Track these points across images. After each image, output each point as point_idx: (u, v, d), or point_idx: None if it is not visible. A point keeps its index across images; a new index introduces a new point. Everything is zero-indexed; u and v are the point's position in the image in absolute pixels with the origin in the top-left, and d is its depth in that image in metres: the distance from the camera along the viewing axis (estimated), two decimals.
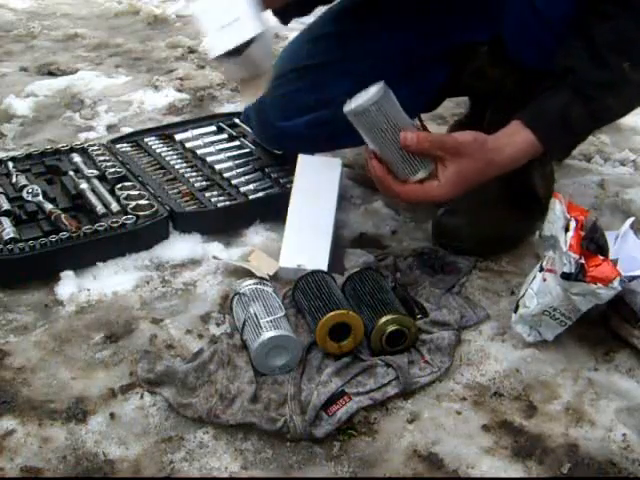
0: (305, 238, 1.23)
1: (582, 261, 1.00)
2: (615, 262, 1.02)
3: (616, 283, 0.99)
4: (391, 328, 1.02)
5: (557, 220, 1.05)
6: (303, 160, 1.35)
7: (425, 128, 1.60)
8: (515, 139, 1.08)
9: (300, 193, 1.30)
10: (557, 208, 1.06)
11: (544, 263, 1.07)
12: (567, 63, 1.07)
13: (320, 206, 1.28)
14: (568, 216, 1.05)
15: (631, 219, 1.12)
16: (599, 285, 0.99)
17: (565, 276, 1.01)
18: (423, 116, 1.60)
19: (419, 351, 1.05)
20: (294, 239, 1.23)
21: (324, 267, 1.17)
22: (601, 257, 1.02)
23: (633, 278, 1.02)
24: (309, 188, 1.31)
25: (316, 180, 1.32)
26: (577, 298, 1.01)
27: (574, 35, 1.07)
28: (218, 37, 1.04)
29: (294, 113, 1.37)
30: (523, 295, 1.08)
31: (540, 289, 1.05)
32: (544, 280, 1.05)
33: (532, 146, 1.07)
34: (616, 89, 1.07)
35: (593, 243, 1.04)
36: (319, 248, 1.22)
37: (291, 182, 1.33)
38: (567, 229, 1.04)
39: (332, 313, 1.01)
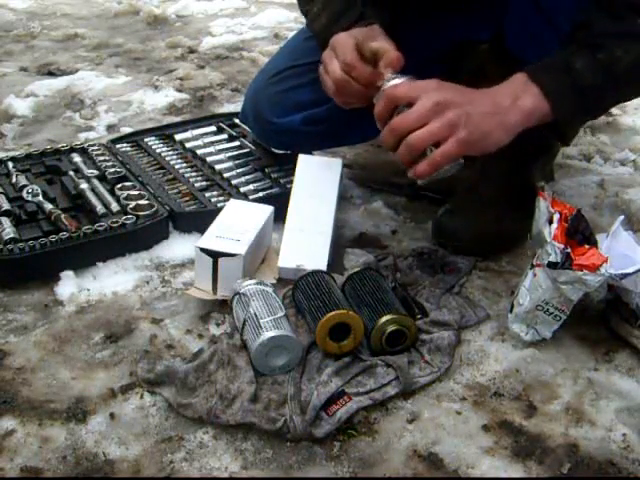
0: (305, 238, 1.23)
1: (568, 250, 1.01)
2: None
3: (603, 269, 0.99)
4: (391, 328, 1.02)
5: (542, 216, 1.06)
6: (303, 160, 1.35)
7: None
8: (507, 83, 1.05)
9: (300, 193, 1.30)
10: (541, 205, 1.07)
11: (534, 260, 1.07)
12: (582, 18, 1.05)
13: (320, 206, 1.28)
14: (552, 210, 1.05)
15: (621, 217, 1.12)
16: (585, 272, 0.99)
17: (551, 265, 1.01)
18: None
19: (419, 351, 1.05)
20: (294, 239, 1.23)
21: (324, 267, 1.17)
22: (587, 246, 1.02)
23: (625, 276, 1.02)
24: (309, 188, 1.31)
25: (316, 180, 1.32)
26: (566, 287, 1.02)
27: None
28: None
29: (290, 110, 1.37)
30: (517, 294, 1.09)
31: (531, 285, 1.06)
32: (534, 275, 1.05)
33: (526, 85, 1.04)
34: (627, 41, 1.04)
35: (579, 234, 1.04)
36: (319, 248, 1.22)
37: (291, 182, 1.33)
38: (551, 221, 1.04)
39: (332, 313, 1.01)
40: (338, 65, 1.14)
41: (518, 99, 1.04)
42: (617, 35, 1.04)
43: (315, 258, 1.19)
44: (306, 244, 1.22)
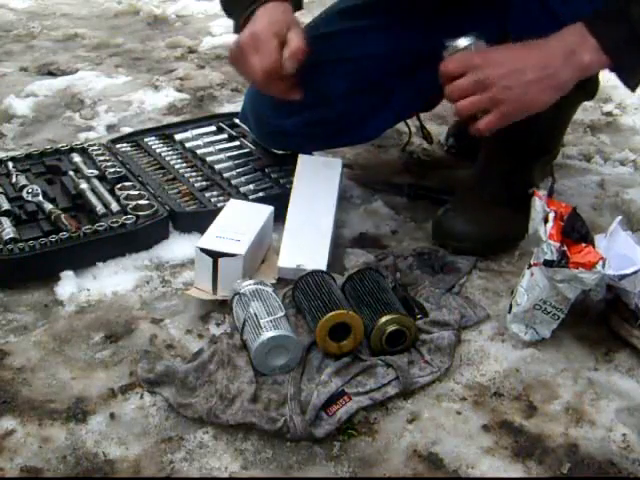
0: (305, 238, 1.23)
1: (564, 249, 1.01)
2: None
3: (599, 267, 0.99)
4: (391, 328, 1.02)
5: (537, 215, 1.06)
6: (303, 160, 1.35)
7: (424, 128, 1.61)
8: (563, 34, 1.06)
9: (300, 193, 1.30)
10: (537, 204, 1.07)
11: (531, 260, 1.07)
12: None
13: (320, 206, 1.28)
14: (547, 209, 1.06)
15: (619, 217, 1.12)
16: (582, 270, 0.99)
17: (547, 263, 1.01)
18: (423, 115, 1.60)
19: (419, 351, 1.05)
20: (294, 239, 1.23)
21: (324, 267, 1.17)
22: (583, 244, 1.02)
23: (624, 276, 1.02)
24: (309, 188, 1.31)
25: (316, 180, 1.32)
26: (562, 285, 1.02)
27: None
28: None
29: (291, 111, 1.37)
30: (515, 294, 1.09)
31: (529, 284, 1.06)
32: (531, 275, 1.05)
33: (583, 37, 1.04)
34: None
35: (575, 232, 1.04)
36: (319, 248, 1.22)
37: (291, 182, 1.33)
38: (546, 220, 1.04)
39: (332, 313, 1.01)
40: (260, 63, 1.18)
41: (574, 54, 1.05)
42: None
43: (315, 258, 1.19)
44: (306, 244, 1.22)
